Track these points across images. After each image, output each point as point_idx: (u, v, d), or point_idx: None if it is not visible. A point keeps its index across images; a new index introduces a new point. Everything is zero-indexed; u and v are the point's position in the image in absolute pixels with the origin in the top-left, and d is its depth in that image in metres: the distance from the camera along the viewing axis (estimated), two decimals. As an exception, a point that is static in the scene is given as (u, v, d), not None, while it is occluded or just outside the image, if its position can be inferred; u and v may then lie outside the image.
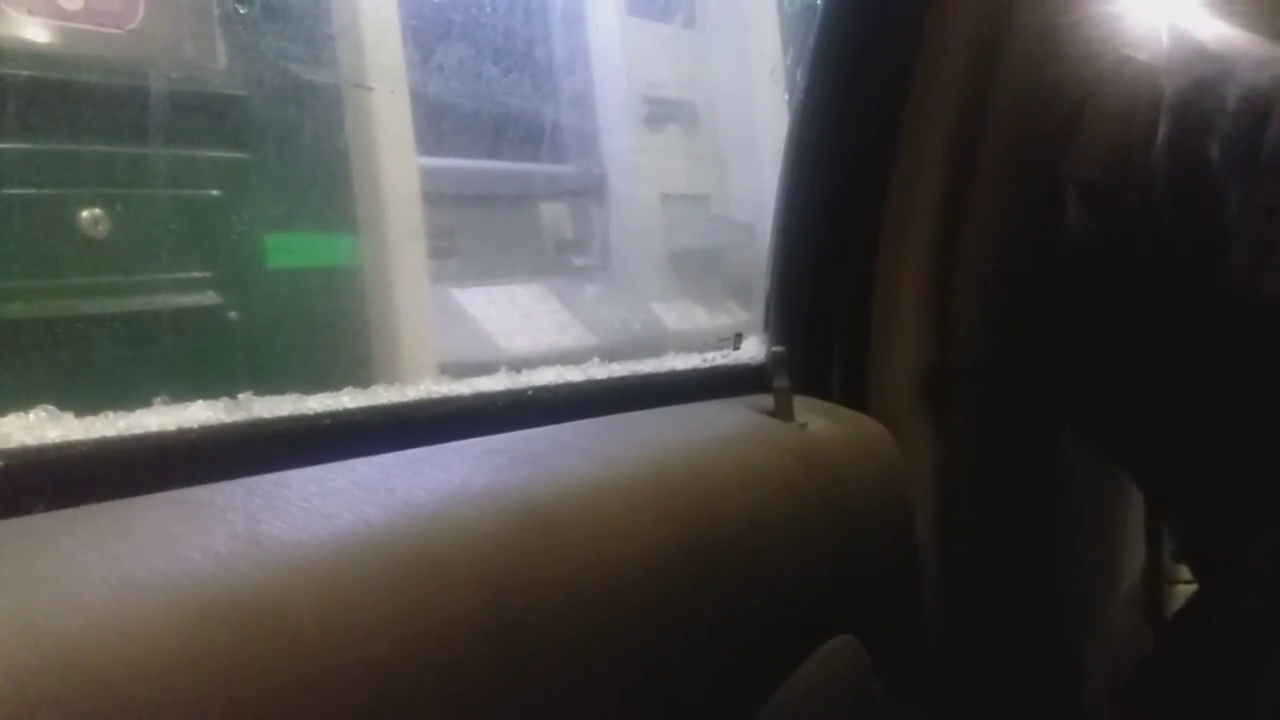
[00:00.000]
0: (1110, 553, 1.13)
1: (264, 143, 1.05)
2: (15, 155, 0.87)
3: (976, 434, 0.90)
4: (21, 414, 0.49)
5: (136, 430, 0.51)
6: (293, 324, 1.09)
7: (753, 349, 0.87)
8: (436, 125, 1.29)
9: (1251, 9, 0.83)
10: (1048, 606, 1.01)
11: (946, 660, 0.87)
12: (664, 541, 0.54)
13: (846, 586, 0.71)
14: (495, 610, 0.44)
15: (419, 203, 1.23)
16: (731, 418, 0.73)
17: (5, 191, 0.87)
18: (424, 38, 1.25)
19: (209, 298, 1.00)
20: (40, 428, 0.48)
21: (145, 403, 0.53)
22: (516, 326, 1.44)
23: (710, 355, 0.86)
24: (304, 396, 0.58)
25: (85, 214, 0.90)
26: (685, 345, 0.86)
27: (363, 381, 0.62)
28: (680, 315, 1.69)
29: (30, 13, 0.89)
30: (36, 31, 0.89)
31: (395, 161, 1.19)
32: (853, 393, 0.88)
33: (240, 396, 0.56)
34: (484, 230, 1.48)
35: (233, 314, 1.02)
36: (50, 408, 0.50)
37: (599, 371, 0.76)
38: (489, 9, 1.37)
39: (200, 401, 0.55)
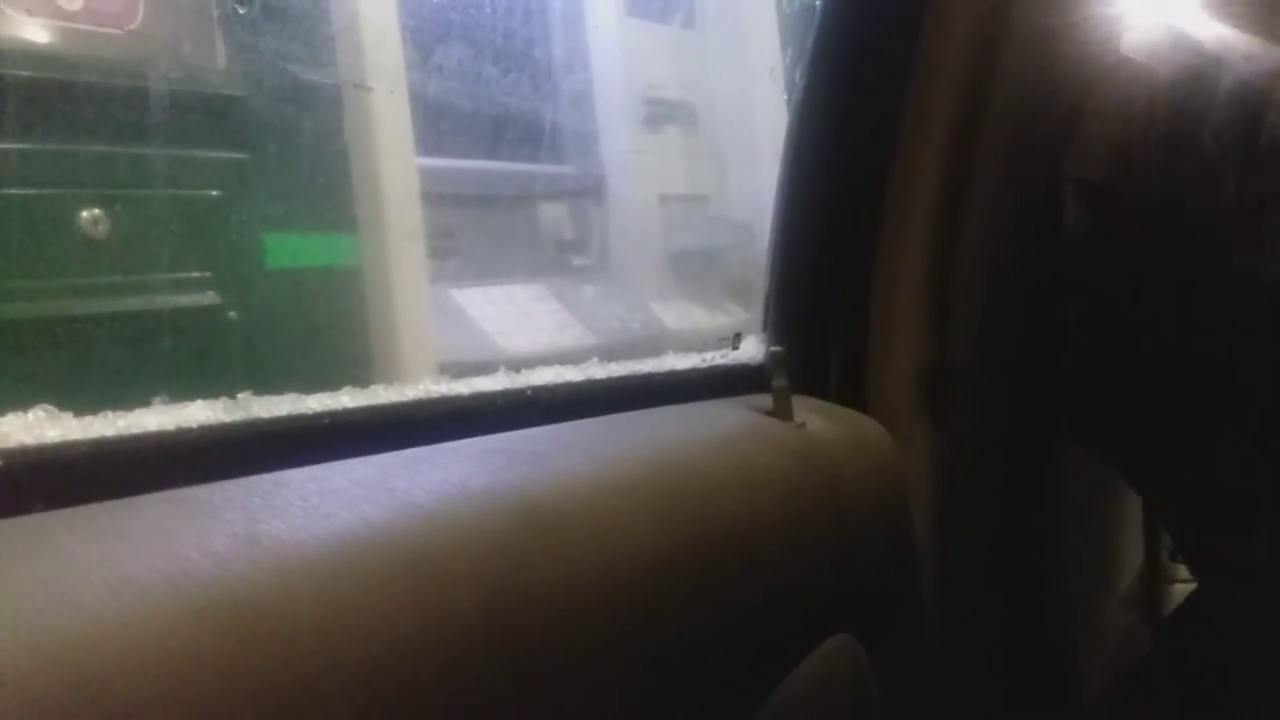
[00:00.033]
0: (1109, 552, 1.13)
1: (263, 143, 1.05)
2: (15, 155, 0.87)
3: (975, 433, 0.90)
4: (21, 413, 0.49)
5: (135, 430, 0.51)
6: (292, 324, 1.09)
7: (751, 349, 0.87)
8: (436, 125, 1.29)
9: (1250, 9, 0.83)
10: (1046, 605, 1.01)
11: (945, 659, 0.87)
12: (663, 540, 0.54)
13: (845, 586, 0.71)
14: (494, 609, 0.44)
15: (418, 203, 1.23)
16: (730, 417, 0.73)
17: (5, 191, 0.87)
18: (423, 38, 1.25)
19: (208, 298, 1.00)
20: (39, 427, 0.48)
21: (144, 402, 0.53)
22: (515, 326, 1.44)
23: (709, 355, 0.86)
24: (303, 396, 0.58)
25: (85, 214, 0.91)
26: (684, 345, 0.86)
27: (362, 381, 0.62)
28: (679, 315, 1.69)
29: (30, 13, 0.89)
30: (36, 32, 0.89)
31: (394, 162, 1.19)
32: (851, 393, 0.88)
33: (239, 396, 0.56)
34: (483, 230, 1.48)
35: (232, 314, 1.02)
36: (49, 407, 0.50)
37: (598, 371, 0.76)
38: (488, 9, 1.37)
39: (199, 401, 0.55)
